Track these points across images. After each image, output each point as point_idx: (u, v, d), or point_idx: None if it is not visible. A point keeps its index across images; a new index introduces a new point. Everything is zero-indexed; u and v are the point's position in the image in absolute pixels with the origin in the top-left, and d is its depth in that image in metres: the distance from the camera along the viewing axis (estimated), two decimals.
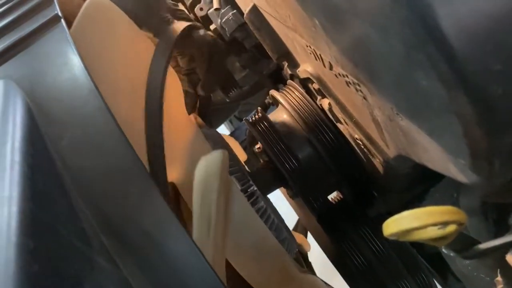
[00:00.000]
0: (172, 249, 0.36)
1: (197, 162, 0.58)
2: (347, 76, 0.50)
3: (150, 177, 0.37)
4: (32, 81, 0.43)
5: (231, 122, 1.73)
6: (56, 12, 0.46)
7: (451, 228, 0.31)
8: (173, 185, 0.57)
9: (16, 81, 0.43)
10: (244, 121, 0.79)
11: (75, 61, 0.43)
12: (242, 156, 1.05)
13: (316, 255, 0.97)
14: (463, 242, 0.36)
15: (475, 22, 0.26)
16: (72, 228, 0.33)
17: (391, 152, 0.54)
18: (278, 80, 1.07)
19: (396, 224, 0.30)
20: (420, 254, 0.76)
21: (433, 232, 0.31)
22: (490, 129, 0.28)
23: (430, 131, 0.36)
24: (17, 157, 0.34)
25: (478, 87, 0.27)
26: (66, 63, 0.43)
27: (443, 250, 0.38)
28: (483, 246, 0.36)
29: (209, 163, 0.45)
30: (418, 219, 0.29)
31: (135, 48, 0.54)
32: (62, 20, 0.46)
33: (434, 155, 0.40)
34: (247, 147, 1.18)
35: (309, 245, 0.94)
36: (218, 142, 0.71)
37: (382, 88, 0.40)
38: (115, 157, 0.38)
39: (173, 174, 0.58)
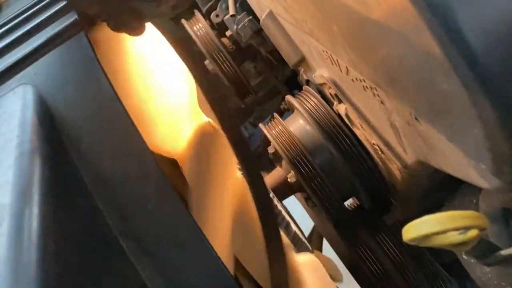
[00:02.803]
0: (191, 253, 0.36)
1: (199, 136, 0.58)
2: (364, 81, 0.50)
3: (169, 183, 0.37)
4: (52, 86, 0.44)
5: (245, 128, 1.73)
6: (75, 18, 0.47)
7: (473, 233, 0.30)
8: (173, 160, 0.57)
9: (36, 86, 0.44)
10: (259, 126, 0.79)
11: (94, 66, 0.43)
12: None
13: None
14: (484, 248, 0.35)
15: (498, 25, 0.26)
16: (92, 231, 0.33)
17: (409, 158, 0.54)
18: (294, 86, 1.08)
19: (416, 229, 0.30)
20: (438, 262, 0.75)
21: (454, 237, 0.30)
22: None
23: (451, 135, 0.36)
24: (38, 160, 0.35)
25: (501, 91, 0.27)
26: (85, 69, 0.44)
27: (463, 256, 0.37)
28: (505, 252, 0.35)
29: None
30: (439, 224, 0.29)
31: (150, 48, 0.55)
32: (83, 26, 0.46)
33: (454, 160, 0.40)
34: (262, 152, 1.18)
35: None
36: None
37: (402, 93, 0.40)
38: (135, 162, 0.38)
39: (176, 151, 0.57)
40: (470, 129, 0.31)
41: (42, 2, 0.51)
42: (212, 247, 0.35)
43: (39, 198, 0.30)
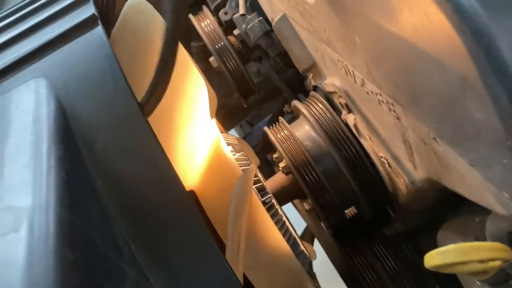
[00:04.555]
0: (203, 265, 0.35)
1: (217, 169, 0.58)
2: (381, 95, 0.50)
3: (185, 189, 0.36)
4: (66, 82, 0.42)
5: (241, 126, 1.72)
6: (93, 12, 0.46)
7: (495, 263, 0.30)
8: (192, 193, 0.57)
9: (49, 80, 0.43)
10: (264, 128, 0.78)
11: (111, 64, 0.42)
12: (255, 161, 1.04)
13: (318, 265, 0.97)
14: (500, 277, 0.35)
15: None
16: (106, 238, 0.32)
17: (418, 175, 0.53)
18: (297, 88, 1.07)
19: (441, 257, 0.29)
20: (434, 276, 0.75)
21: (476, 266, 0.30)
22: None
23: (474, 161, 0.35)
24: (53, 161, 0.34)
25: None
26: (102, 66, 0.42)
27: (477, 282, 0.37)
28: None
29: (244, 182, 0.45)
30: (465, 254, 0.28)
31: None
32: (99, 21, 0.45)
33: (471, 184, 0.40)
34: (259, 153, 1.17)
35: (315, 254, 0.93)
36: (238, 150, 0.71)
37: (424, 113, 0.39)
38: (150, 166, 0.37)
39: (193, 181, 0.57)
40: (499, 158, 0.31)
41: None
42: (226, 261, 0.35)
43: (56, 204, 0.29)
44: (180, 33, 0.44)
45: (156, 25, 0.50)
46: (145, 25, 0.51)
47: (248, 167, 0.63)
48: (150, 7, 0.52)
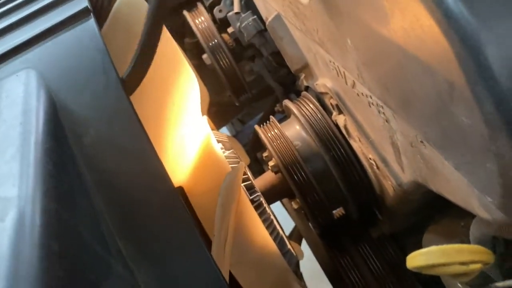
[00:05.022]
0: (188, 260, 0.35)
1: (206, 166, 0.58)
2: (371, 97, 0.50)
3: (173, 185, 0.36)
4: (57, 74, 0.42)
5: (232, 124, 1.72)
6: (86, 5, 0.46)
7: (476, 266, 0.31)
8: (181, 189, 0.57)
9: (40, 72, 0.42)
10: (255, 127, 0.78)
11: (103, 57, 0.42)
12: (245, 160, 1.04)
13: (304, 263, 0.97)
14: (481, 280, 0.36)
15: None
16: (93, 231, 0.32)
17: (405, 177, 0.54)
18: (289, 88, 1.07)
19: (424, 258, 0.30)
20: (417, 278, 0.76)
21: (457, 268, 0.31)
22: None
23: (459, 165, 0.36)
24: (41, 153, 0.34)
25: None
26: (93, 59, 0.42)
27: (459, 284, 0.38)
28: (501, 285, 0.36)
29: (232, 178, 0.45)
30: (447, 256, 0.29)
31: (161, 48, 0.53)
32: (92, 14, 0.45)
33: (456, 188, 0.40)
34: (249, 151, 1.17)
35: (302, 253, 0.94)
36: (228, 148, 0.71)
37: (413, 117, 0.40)
38: (139, 161, 0.37)
39: (182, 178, 0.57)
40: (483, 163, 0.31)
41: None
42: (212, 258, 0.35)
43: (43, 195, 0.29)
44: (165, 12, 0.43)
45: None
46: (137, 21, 0.51)
47: (236, 164, 0.63)
48: (143, 2, 0.52)
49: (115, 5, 0.51)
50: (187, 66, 0.54)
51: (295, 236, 1.07)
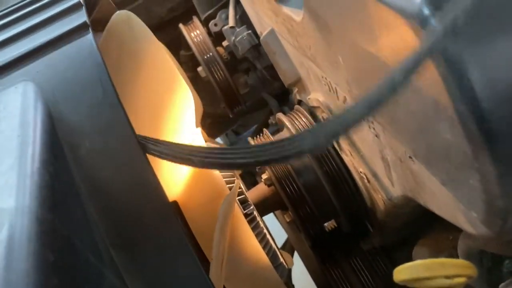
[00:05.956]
0: (180, 273, 0.36)
1: (200, 181, 0.58)
2: None
3: (167, 198, 0.37)
4: (54, 86, 0.43)
5: (226, 135, 1.74)
6: (84, 19, 0.47)
7: (460, 280, 0.31)
8: (175, 203, 0.57)
9: (38, 84, 0.43)
10: (248, 139, 0.79)
11: (100, 71, 0.43)
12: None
13: (296, 275, 0.98)
14: None
15: (509, 89, 0.27)
16: (87, 241, 0.33)
17: (395, 191, 0.55)
18: (283, 101, 1.09)
19: (409, 272, 0.31)
20: None
21: (441, 282, 0.32)
22: (510, 191, 0.29)
23: (445, 180, 0.37)
24: (38, 164, 0.34)
25: (504, 150, 0.28)
26: (91, 72, 0.43)
27: None
28: None
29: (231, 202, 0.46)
30: (431, 270, 0.30)
31: (156, 65, 0.54)
32: (90, 29, 0.46)
33: (443, 202, 0.41)
34: None
35: (292, 260, 0.94)
36: None
37: (401, 133, 0.41)
38: (133, 172, 0.38)
39: (176, 192, 0.58)
40: (467, 179, 0.32)
41: None
42: (203, 269, 0.35)
43: (39, 206, 0.30)
44: None
45: (143, 38, 0.51)
46: (132, 38, 0.52)
47: (231, 178, 0.64)
48: (137, 20, 0.53)
49: (110, 23, 0.52)
50: (184, 83, 0.54)
51: (287, 248, 1.08)
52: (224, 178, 0.56)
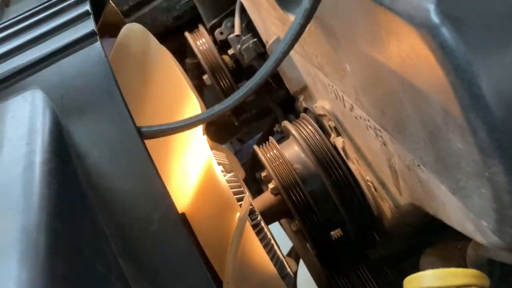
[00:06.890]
0: (188, 283, 0.36)
1: (208, 194, 0.58)
2: (369, 121, 0.51)
3: (175, 207, 0.37)
4: (63, 95, 0.43)
5: (231, 143, 1.74)
6: (93, 28, 0.47)
7: None
8: (183, 215, 0.57)
9: (46, 92, 0.43)
10: (254, 147, 0.79)
11: (108, 79, 0.43)
12: (240, 173, 1.04)
13: (302, 285, 0.97)
14: None
15: None
16: (95, 251, 0.33)
17: (403, 200, 0.55)
18: (288, 109, 1.09)
19: (419, 282, 0.30)
20: None
21: None
22: None
23: (455, 189, 0.37)
24: (46, 172, 0.34)
25: None
26: (99, 81, 0.43)
27: None
28: None
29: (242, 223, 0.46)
30: (442, 279, 0.29)
31: (166, 78, 0.54)
32: (98, 37, 0.46)
33: (452, 211, 0.41)
34: (248, 171, 1.18)
35: (295, 265, 0.93)
36: (229, 170, 0.71)
37: (409, 141, 0.41)
38: (141, 182, 0.38)
39: (184, 203, 0.58)
40: (478, 188, 0.32)
41: (60, 4, 0.51)
42: (211, 278, 0.35)
43: (48, 215, 0.30)
44: None
45: (152, 51, 0.52)
46: (142, 52, 0.52)
47: (239, 188, 0.63)
48: (146, 32, 0.53)
49: (120, 36, 0.52)
50: (193, 96, 0.54)
51: (293, 256, 1.07)
52: (231, 189, 0.56)
